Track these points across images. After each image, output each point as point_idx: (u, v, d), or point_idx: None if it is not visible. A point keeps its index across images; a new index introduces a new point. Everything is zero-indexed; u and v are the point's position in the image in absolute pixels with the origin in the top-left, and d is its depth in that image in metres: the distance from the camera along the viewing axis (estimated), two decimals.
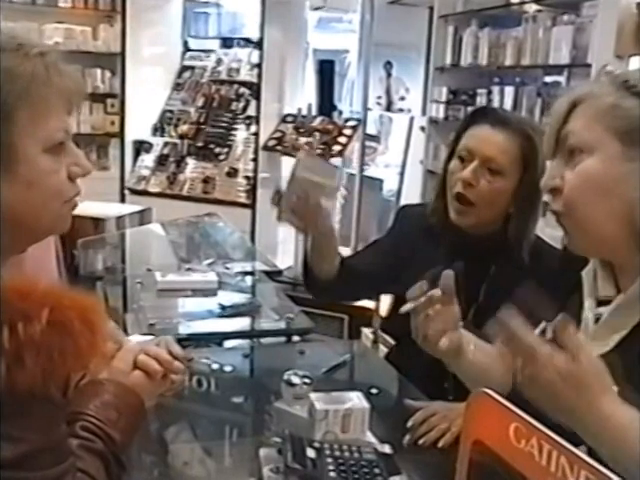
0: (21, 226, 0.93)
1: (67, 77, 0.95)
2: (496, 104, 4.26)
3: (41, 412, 0.84)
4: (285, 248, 5.31)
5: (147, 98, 5.69)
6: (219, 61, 5.81)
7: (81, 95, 0.99)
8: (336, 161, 5.26)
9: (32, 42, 0.93)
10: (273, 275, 2.84)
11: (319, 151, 5.00)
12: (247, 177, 5.34)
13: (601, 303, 1.09)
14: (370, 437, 1.34)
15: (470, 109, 4.24)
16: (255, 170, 5.25)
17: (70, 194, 0.99)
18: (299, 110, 5.28)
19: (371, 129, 5.47)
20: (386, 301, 2.00)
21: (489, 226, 1.66)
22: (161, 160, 5.66)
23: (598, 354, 1.04)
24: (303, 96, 5.46)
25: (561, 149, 1.08)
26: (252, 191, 5.25)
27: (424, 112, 5.07)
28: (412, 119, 5.28)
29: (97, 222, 3.30)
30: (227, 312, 2.22)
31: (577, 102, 1.07)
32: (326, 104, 5.19)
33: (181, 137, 5.67)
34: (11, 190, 0.90)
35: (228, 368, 1.83)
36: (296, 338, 2.12)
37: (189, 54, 5.94)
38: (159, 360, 1.12)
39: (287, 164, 5.30)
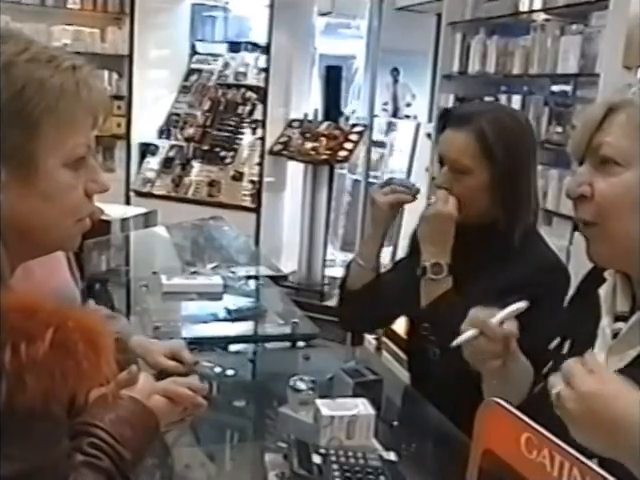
0: (30, 238, 0.91)
1: (96, 93, 0.94)
2: None
3: (41, 431, 0.82)
4: (289, 253, 5.31)
5: (154, 101, 5.71)
6: (226, 65, 5.82)
7: (107, 111, 0.98)
8: (342, 167, 5.28)
9: (65, 54, 0.92)
10: (277, 280, 2.83)
11: (325, 156, 5.01)
12: (252, 181, 5.35)
13: (619, 319, 1.07)
14: (375, 444, 1.34)
15: None
16: (260, 174, 5.26)
17: (84, 212, 0.97)
18: (305, 115, 5.29)
19: (377, 135, 5.47)
20: None
21: (480, 218, 1.65)
22: (167, 163, 5.67)
23: (615, 369, 1.03)
24: (310, 101, 5.47)
25: (592, 155, 1.05)
26: (257, 195, 5.26)
27: (430, 119, 5.07)
28: (418, 126, 5.27)
29: (102, 224, 3.30)
30: (232, 316, 2.21)
31: (613, 108, 1.04)
32: (332, 109, 5.20)
33: (187, 140, 5.68)
34: (26, 201, 0.88)
35: (232, 372, 1.82)
36: (301, 343, 2.11)
37: (196, 57, 5.96)
38: (187, 392, 1.15)
39: (292, 169, 5.32)
